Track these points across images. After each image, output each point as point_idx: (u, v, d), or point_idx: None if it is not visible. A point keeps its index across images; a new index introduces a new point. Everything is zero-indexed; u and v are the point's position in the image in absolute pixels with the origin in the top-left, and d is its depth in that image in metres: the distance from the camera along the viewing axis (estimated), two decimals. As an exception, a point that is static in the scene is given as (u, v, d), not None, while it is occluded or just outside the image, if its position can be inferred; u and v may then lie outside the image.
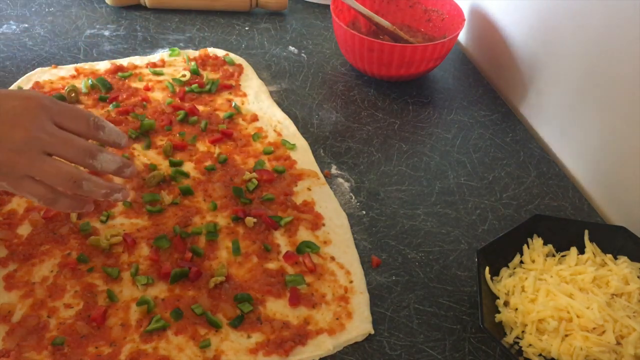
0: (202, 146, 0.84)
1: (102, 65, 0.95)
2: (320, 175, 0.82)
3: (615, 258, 0.70)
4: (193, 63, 0.96)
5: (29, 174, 0.53)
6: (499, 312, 0.65)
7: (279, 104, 0.93)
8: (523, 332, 0.63)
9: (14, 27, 1.03)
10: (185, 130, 0.86)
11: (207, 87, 0.93)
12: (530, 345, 0.62)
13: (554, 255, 0.71)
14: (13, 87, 0.89)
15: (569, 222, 0.73)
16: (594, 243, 0.71)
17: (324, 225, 0.75)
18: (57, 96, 0.87)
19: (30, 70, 0.93)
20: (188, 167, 0.80)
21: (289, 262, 0.70)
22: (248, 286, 0.67)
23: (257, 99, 0.93)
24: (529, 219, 0.71)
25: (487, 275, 0.66)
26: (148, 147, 0.82)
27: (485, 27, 1.06)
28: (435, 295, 0.69)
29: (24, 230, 0.70)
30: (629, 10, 0.73)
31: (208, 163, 0.81)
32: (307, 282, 0.68)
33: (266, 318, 0.64)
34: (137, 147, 0.82)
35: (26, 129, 0.50)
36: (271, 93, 0.95)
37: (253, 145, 0.85)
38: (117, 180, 0.74)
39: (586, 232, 0.71)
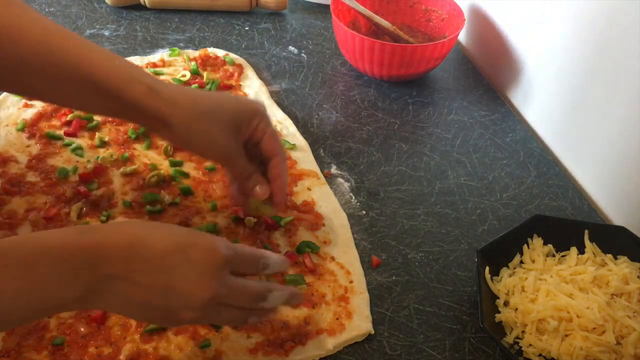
0: (202, 146, 0.84)
1: (102, 65, 0.95)
2: (320, 175, 0.82)
3: (615, 258, 0.70)
4: (193, 63, 0.96)
5: (207, 321, 0.57)
6: (499, 312, 0.65)
7: (279, 104, 0.93)
8: (523, 332, 0.63)
9: (14, 27, 1.03)
10: (185, 130, 0.85)
11: (207, 87, 0.93)
12: (530, 345, 0.62)
13: (554, 255, 0.71)
14: (13, 87, 0.89)
15: (569, 222, 0.73)
16: (594, 243, 0.71)
17: (324, 225, 0.75)
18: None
19: (31, 70, 0.93)
20: (188, 167, 0.80)
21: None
22: (248, 286, 0.67)
23: (257, 99, 0.93)
24: (529, 219, 0.71)
25: (487, 275, 0.66)
26: (148, 147, 0.82)
27: (485, 27, 1.06)
28: (435, 295, 0.69)
29: (24, 230, 0.70)
30: (630, 10, 0.73)
31: (208, 163, 0.81)
32: (307, 282, 0.68)
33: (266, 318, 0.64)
34: (137, 147, 0.82)
35: (212, 288, 0.49)
36: (271, 93, 0.95)
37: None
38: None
39: (586, 232, 0.71)
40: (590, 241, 0.71)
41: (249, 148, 0.66)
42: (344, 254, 0.72)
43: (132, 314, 0.53)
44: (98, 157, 0.79)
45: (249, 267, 0.55)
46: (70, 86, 0.60)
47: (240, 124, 0.63)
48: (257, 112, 0.65)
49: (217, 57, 0.99)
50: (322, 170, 0.83)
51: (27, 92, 0.67)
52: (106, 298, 0.48)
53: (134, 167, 0.78)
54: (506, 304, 0.66)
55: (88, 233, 0.48)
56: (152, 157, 0.81)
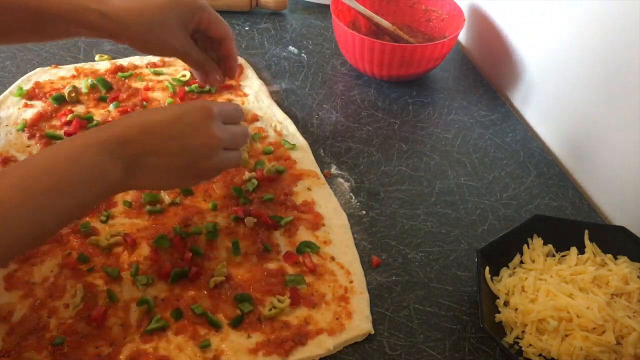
0: (202, 146, 0.84)
1: (102, 65, 0.95)
2: (320, 175, 0.82)
3: (615, 258, 0.70)
4: (193, 63, 0.96)
5: (223, 169, 0.69)
6: (499, 312, 0.65)
7: (279, 104, 0.93)
8: (523, 332, 0.63)
9: (14, 27, 1.03)
10: (185, 130, 0.85)
11: (207, 87, 0.93)
12: (530, 345, 0.62)
13: (554, 255, 0.71)
14: (13, 87, 0.89)
15: (569, 222, 0.73)
16: (594, 243, 0.71)
17: (324, 225, 0.75)
18: (57, 96, 0.87)
19: (30, 70, 0.93)
20: (188, 167, 0.80)
21: (289, 262, 0.70)
22: (248, 286, 0.67)
23: (257, 99, 0.93)
24: (529, 219, 0.71)
25: (487, 275, 0.66)
26: (148, 147, 0.82)
27: (485, 27, 1.06)
28: (435, 295, 0.69)
29: (24, 230, 0.70)
30: (630, 10, 0.73)
31: (208, 163, 0.81)
32: (307, 282, 0.68)
33: (266, 318, 0.64)
34: (137, 147, 0.82)
35: (217, 135, 0.62)
36: (271, 93, 0.95)
37: (253, 145, 0.85)
38: None
39: (586, 232, 0.71)
40: (590, 241, 0.71)
41: (199, 38, 0.75)
42: (344, 254, 0.72)
43: (163, 181, 0.62)
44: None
45: (233, 116, 0.67)
46: (16, 18, 0.65)
47: (186, 20, 0.71)
48: (196, 6, 0.71)
49: (217, 57, 0.99)
50: (322, 170, 0.83)
51: None
52: (140, 173, 0.58)
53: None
54: (506, 304, 0.66)
55: (105, 129, 0.58)
56: (152, 157, 0.81)
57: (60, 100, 0.87)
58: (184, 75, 0.94)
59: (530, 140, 0.93)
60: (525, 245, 0.71)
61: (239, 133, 0.67)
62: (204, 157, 0.62)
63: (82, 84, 0.90)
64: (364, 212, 0.78)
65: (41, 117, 0.84)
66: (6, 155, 0.78)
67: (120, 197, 0.75)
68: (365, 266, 0.71)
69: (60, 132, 0.82)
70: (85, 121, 0.84)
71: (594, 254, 0.70)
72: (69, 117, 0.84)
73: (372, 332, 0.64)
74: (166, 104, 0.89)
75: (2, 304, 0.62)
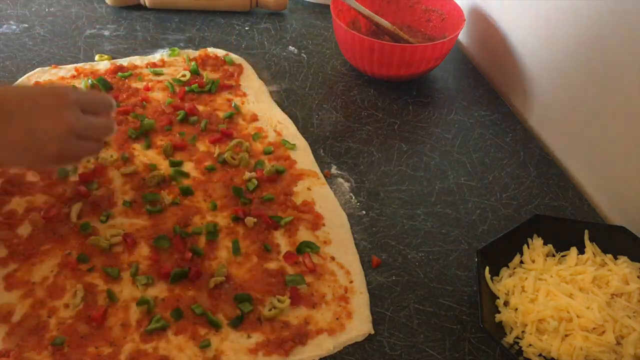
0: (202, 146, 0.84)
1: (102, 65, 0.95)
2: (320, 175, 0.82)
3: (615, 258, 0.70)
4: (193, 63, 0.96)
5: (77, 157, 0.67)
6: (499, 312, 0.65)
7: (279, 104, 0.93)
8: (523, 332, 0.63)
9: (14, 27, 1.03)
10: (185, 130, 0.86)
11: (207, 87, 0.93)
12: (530, 345, 0.62)
13: (554, 255, 0.71)
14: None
15: (569, 222, 0.73)
16: (594, 243, 0.71)
17: (324, 225, 0.75)
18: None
19: (30, 70, 0.93)
20: (188, 167, 0.80)
21: (289, 262, 0.70)
22: (248, 286, 0.67)
23: (257, 99, 0.93)
24: (529, 219, 0.71)
25: (487, 275, 0.66)
26: (148, 147, 0.82)
27: (485, 27, 1.06)
28: (435, 295, 0.69)
29: (24, 230, 0.70)
30: (629, 10, 0.73)
31: (208, 163, 0.81)
32: (307, 282, 0.68)
33: (266, 318, 0.64)
34: (137, 147, 0.82)
35: (68, 122, 0.61)
36: (271, 93, 0.95)
37: (253, 145, 0.85)
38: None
39: (586, 232, 0.71)
40: (590, 241, 0.71)
41: None
42: (344, 254, 0.72)
43: (12, 158, 0.63)
44: (98, 157, 0.79)
45: (95, 106, 0.67)
46: None
47: None
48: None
49: (217, 57, 0.99)
50: (322, 170, 0.83)
51: None
52: None
53: (133, 167, 0.78)
54: (506, 304, 0.66)
55: None
56: (151, 157, 0.81)
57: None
58: (183, 75, 0.94)
59: (530, 140, 0.93)
60: (525, 245, 0.71)
61: (99, 124, 0.66)
62: (50, 141, 0.61)
63: (82, 84, 0.90)
64: (364, 212, 0.78)
65: (41, 117, 0.84)
66: (6, 155, 0.78)
67: (120, 197, 0.75)
68: (365, 266, 0.71)
69: (60, 132, 0.82)
70: (85, 121, 0.84)
71: (594, 254, 0.70)
72: (69, 117, 0.84)
73: (372, 332, 0.64)
74: (166, 104, 0.89)
75: (2, 304, 0.62)
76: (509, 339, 0.63)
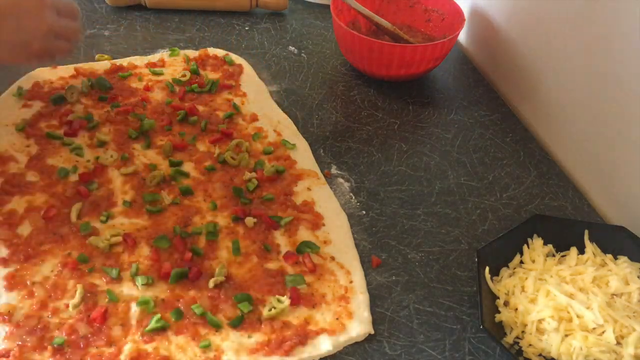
0: (202, 146, 0.84)
1: (102, 65, 0.95)
2: (320, 175, 0.82)
3: (615, 258, 0.70)
4: (193, 63, 0.96)
5: (54, 54, 0.77)
6: (499, 312, 0.65)
7: (279, 104, 0.93)
8: (523, 332, 0.63)
9: (14, 27, 1.03)
10: (185, 130, 0.86)
11: (207, 87, 0.93)
12: (530, 345, 0.62)
13: (554, 255, 0.71)
14: (13, 87, 0.89)
15: (569, 222, 0.73)
16: (594, 243, 0.71)
17: (324, 225, 0.75)
18: (57, 96, 0.87)
19: (30, 70, 0.92)
20: (188, 167, 0.80)
21: (289, 262, 0.70)
22: (248, 286, 0.67)
23: (257, 99, 0.93)
24: (529, 219, 0.71)
25: (487, 275, 0.66)
26: (148, 147, 0.82)
27: (485, 27, 1.06)
28: (435, 295, 0.69)
29: (24, 230, 0.70)
30: (629, 10, 0.73)
31: (208, 163, 0.81)
32: (307, 282, 0.68)
33: (266, 318, 0.64)
34: (137, 147, 0.82)
35: (49, 22, 0.72)
36: (271, 93, 0.95)
37: (253, 145, 0.85)
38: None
39: (586, 232, 0.71)
40: (590, 241, 0.71)
41: None
42: (344, 254, 0.72)
43: (1, 53, 0.72)
44: (98, 157, 0.79)
45: (67, 10, 0.77)
46: None
47: None
48: None
49: (217, 57, 0.99)
50: (322, 170, 0.83)
51: None
52: None
53: (133, 167, 0.78)
54: (506, 304, 0.66)
55: None
56: (151, 157, 0.81)
57: (60, 100, 0.87)
58: (183, 75, 0.94)
59: (530, 140, 0.93)
60: (525, 245, 0.71)
61: (71, 26, 0.78)
62: (35, 38, 0.72)
63: (82, 84, 0.90)
64: (364, 212, 0.78)
65: (41, 117, 0.84)
66: (6, 155, 0.78)
67: (120, 197, 0.75)
68: (365, 266, 0.71)
69: (60, 132, 0.82)
70: (85, 121, 0.84)
71: (594, 254, 0.70)
72: (69, 117, 0.84)
73: (372, 332, 0.64)
74: (166, 104, 0.89)
75: (3, 304, 0.62)
76: (509, 339, 0.63)
